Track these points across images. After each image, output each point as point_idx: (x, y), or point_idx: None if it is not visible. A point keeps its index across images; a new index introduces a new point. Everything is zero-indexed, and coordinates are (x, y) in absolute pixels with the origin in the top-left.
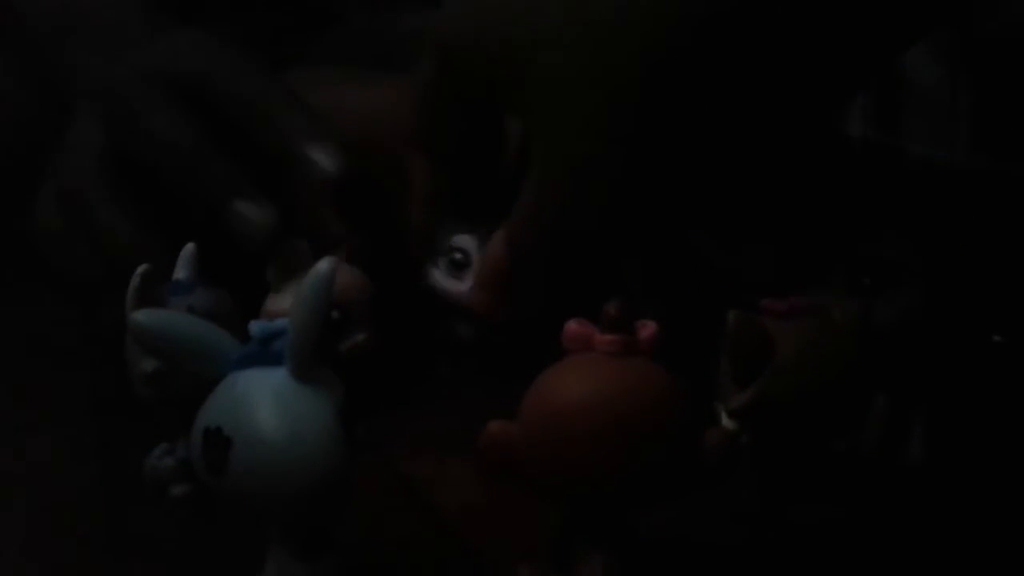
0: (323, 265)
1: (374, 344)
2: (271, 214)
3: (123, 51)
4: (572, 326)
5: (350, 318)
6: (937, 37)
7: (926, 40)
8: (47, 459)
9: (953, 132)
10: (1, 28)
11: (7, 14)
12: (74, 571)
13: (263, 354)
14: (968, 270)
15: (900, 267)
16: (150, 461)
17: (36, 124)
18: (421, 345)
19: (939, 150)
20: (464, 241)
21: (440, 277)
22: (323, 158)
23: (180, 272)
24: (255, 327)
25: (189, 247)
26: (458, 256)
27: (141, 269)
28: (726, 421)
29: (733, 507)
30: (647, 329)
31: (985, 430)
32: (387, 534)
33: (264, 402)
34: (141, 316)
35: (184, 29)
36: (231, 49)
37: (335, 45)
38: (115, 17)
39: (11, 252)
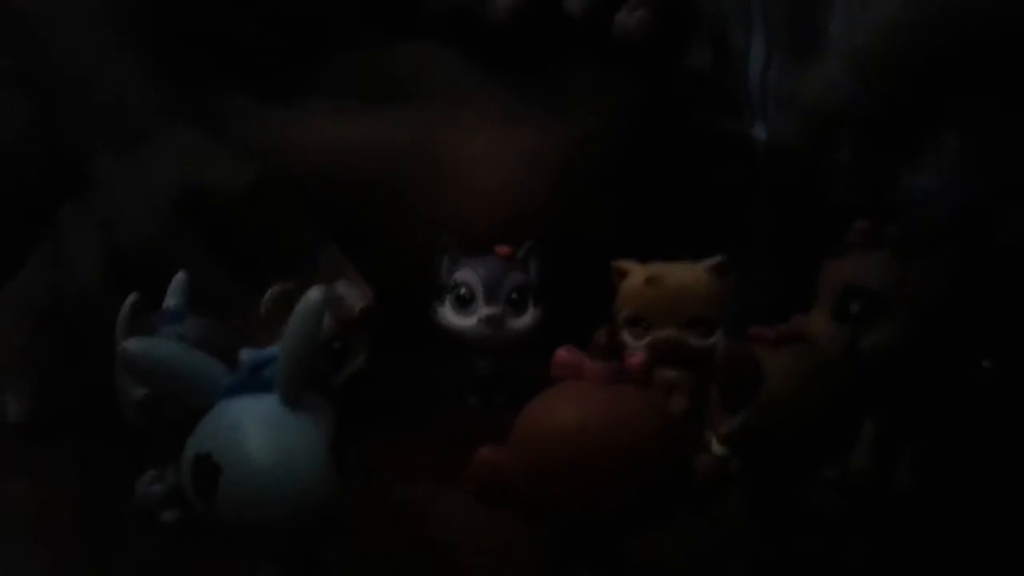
0: (313, 294)
1: (369, 367)
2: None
3: (132, 147)
4: (562, 354)
5: (350, 344)
6: None
7: None
8: (38, 484)
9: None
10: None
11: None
12: None
13: (253, 381)
14: (958, 296)
15: (885, 295)
16: (140, 487)
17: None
18: (423, 373)
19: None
20: (468, 276)
21: (447, 313)
22: (352, 297)
23: (171, 300)
24: (245, 355)
25: (180, 276)
26: (463, 291)
27: (131, 298)
28: (716, 447)
29: (723, 532)
30: (636, 356)
31: (975, 454)
32: (379, 562)
33: (253, 429)
34: (131, 344)
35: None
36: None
37: (330, 78)
38: (131, 103)
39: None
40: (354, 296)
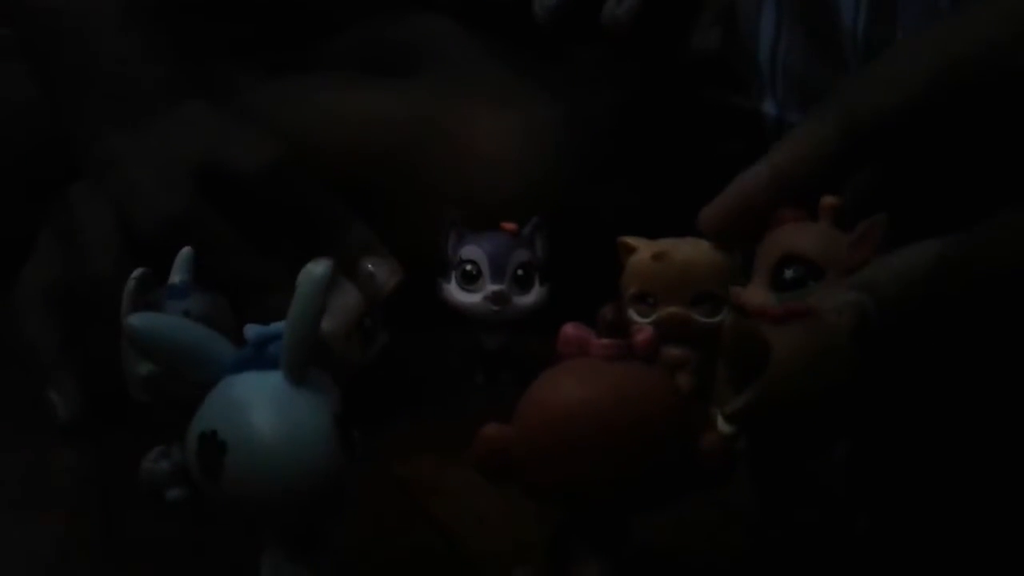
0: (317, 268)
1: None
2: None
3: (143, 123)
4: (568, 330)
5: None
6: None
7: None
8: (43, 462)
9: None
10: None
11: (29, 47)
12: (70, 574)
13: (259, 358)
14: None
15: (819, 261)
16: (146, 464)
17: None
18: (429, 350)
19: None
20: (474, 253)
21: (453, 290)
22: (383, 272)
23: (176, 276)
24: (251, 331)
25: (185, 251)
26: (469, 268)
27: (137, 272)
28: (722, 425)
29: (730, 511)
30: (643, 333)
31: (982, 433)
32: (384, 538)
33: (259, 406)
34: (136, 320)
35: (198, 101)
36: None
37: (334, 51)
38: (138, 79)
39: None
40: (384, 272)
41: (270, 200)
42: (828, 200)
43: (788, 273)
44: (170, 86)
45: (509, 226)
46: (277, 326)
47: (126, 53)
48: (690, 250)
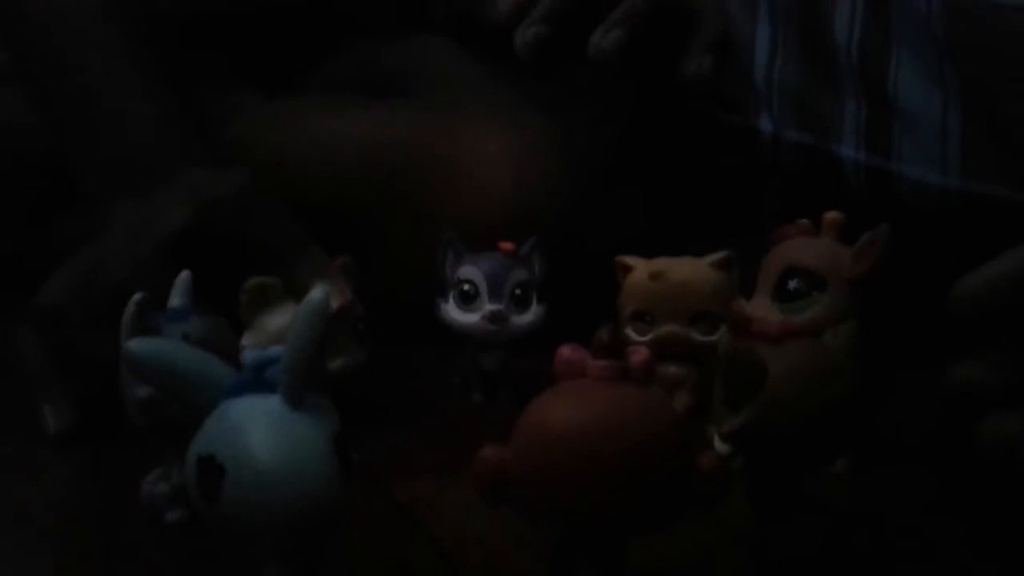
0: (317, 293)
1: (365, 364)
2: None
3: (142, 189)
4: (564, 352)
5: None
6: (928, 60)
7: (917, 62)
8: (44, 483)
9: (945, 155)
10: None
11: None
12: None
13: (257, 382)
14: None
15: (822, 273)
16: (146, 486)
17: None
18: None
19: (932, 174)
20: (472, 273)
21: (451, 310)
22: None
23: (175, 300)
24: (249, 355)
25: (185, 274)
26: (467, 288)
27: (137, 297)
28: (719, 445)
29: (728, 530)
30: (639, 354)
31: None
32: (382, 560)
33: (257, 429)
34: (134, 344)
35: (211, 167)
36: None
37: (330, 73)
38: (146, 146)
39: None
40: (331, 296)
41: (231, 229)
42: (830, 215)
43: (792, 284)
44: (173, 153)
45: (507, 246)
46: (276, 350)
47: (139, 117)
48: (687, 269)
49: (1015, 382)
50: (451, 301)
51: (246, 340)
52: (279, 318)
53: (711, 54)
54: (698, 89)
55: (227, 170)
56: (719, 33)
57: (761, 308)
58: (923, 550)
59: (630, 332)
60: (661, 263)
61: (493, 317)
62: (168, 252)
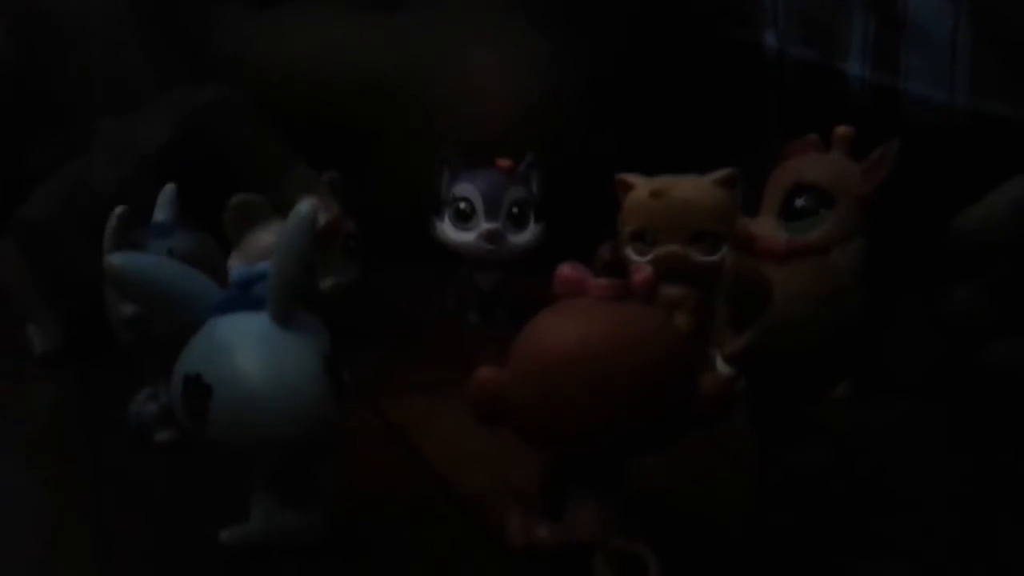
0: (304, 207)
1: (355, 282)
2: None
3: (135, 107)
4: (564, 270)
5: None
6: None
7: None
8: (30, 404)
9: (954, 73)
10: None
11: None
12: (57, 517)
13: (244, 298)
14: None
15: (829, 189)
16: (134, 407)
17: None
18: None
19: (939, 91)
20: (468, 190)
21: (447, 228)
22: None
23: (160, 214)
24: (235, 271)
25: (169, 188)
26: (463, 206)
27: (119, 210)
28: (722, 366)
29: (729, 452)
30: (641, 273)
31: (982, 373)
32: (375, 481)
33: (244, 348)
34: (117, 259)
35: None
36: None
37: None
38: (131, 69)
39: None
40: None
41: (217, 137)
42: (841, 130)
43: (799, 202)
44: (156, 72)
45: (504, 163)
46: (263, 266)
47: (120, 37)
48: (689, 187)
49: (1014, 309)
50: (447, 219)
51: (234, 258)
52: (267, 235)
53: None
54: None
55: (209, 86)
56: None
57: (767, 226)
58: (922, 475)
59: (630, 251)
60: (662, 181)
61: (490, 236)
62: (153, 166)
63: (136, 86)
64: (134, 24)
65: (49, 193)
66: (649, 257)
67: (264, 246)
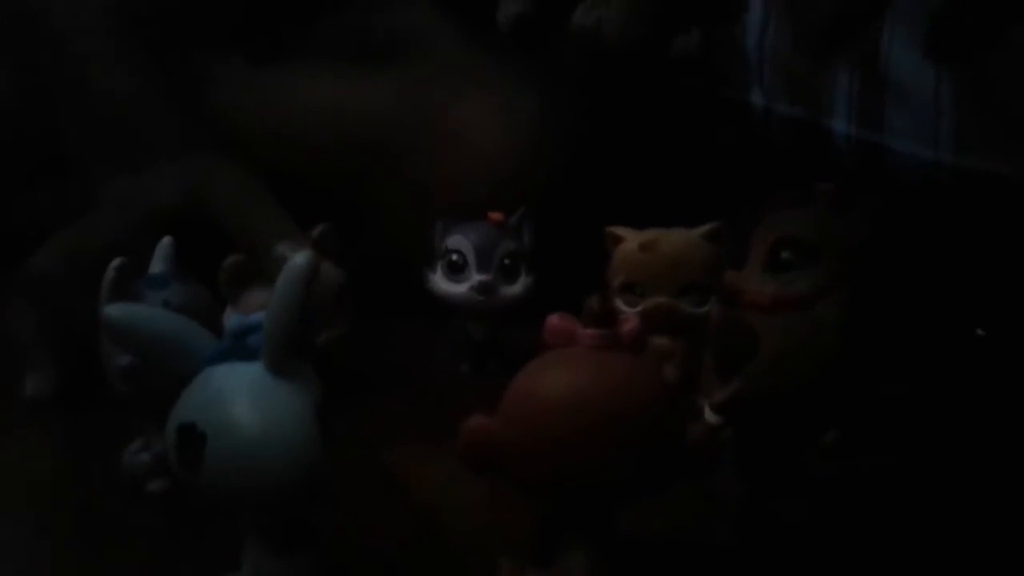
0: (299, 259)
1: (347, 333)
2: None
3: (143, 168)
4: (554, 321)
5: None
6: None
7: (911, 36)
8: (23, 453)
9: (937, 130)
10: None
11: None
12: (48, 566)
13: (239, 349)
14: (952, 265)
15: (814, 243)
16: (127, 456)
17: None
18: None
19: (923, 148)
20: (460, 243)
21: (439, 280)
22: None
23: (156, 266)
24: (231, 321)
25: (166, 240)
26: (455, 258)
27: (116, 262)
28: (709, 415)
29: (716, 501)
30: (629, 323)
31: (969, 423)
32: (367, 529)
33: (239, 397)
34: (113, 310)
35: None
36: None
37: (315, 41)
38: (140, 129)
39: None
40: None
41: (216, 213)
42: (824, 185)
43: (784, 255)
44: (164, 134)
45: (496, 216)
46: (257, 316)
47: (131, 97)
48: (678, 240)
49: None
50: (439, 271)
51: (230, 313)
52: (263, 295)
53: (698, 30)
54: (686, 65)
55: (217, 157)
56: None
57: (753, 279)
58: (913, 522)
59: (619, 303)
60: (651, 234)
61: (481, 287)
62: (156, 224)
63: (140, 142)
64: (139, 79)
65: (56, 245)
66: (639, 308)
67: (260, 304)
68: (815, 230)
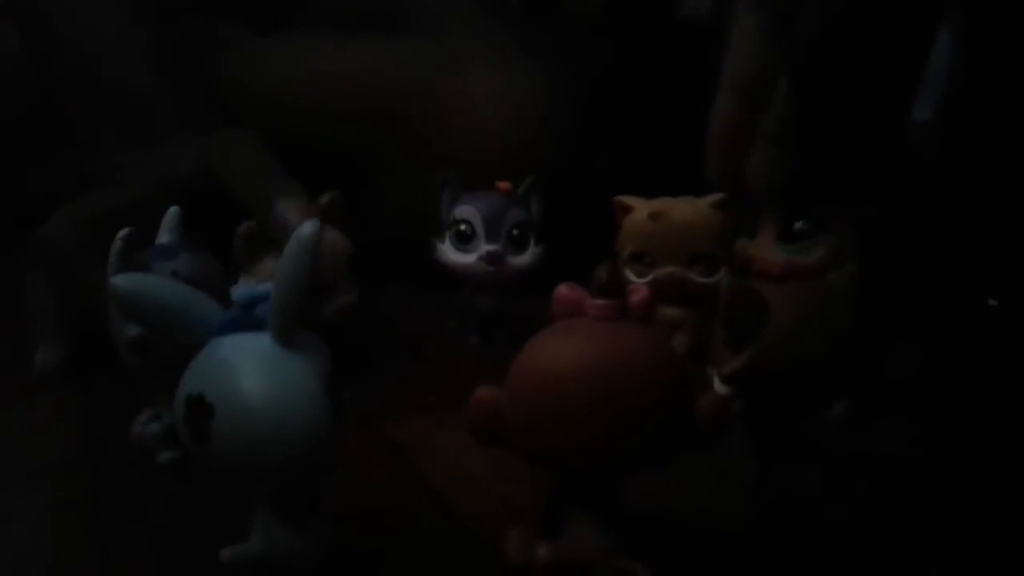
0: (306, 228)
1: (354, 303)
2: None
3: (146, 147)
4: (562, 291)
5: (333, 278)
6: None
7: None
8: (34, 424)
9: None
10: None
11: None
12: (60, 536)
13: (246, 319)
14: (964, 234)
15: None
16: (136, 427)
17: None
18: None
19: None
20: (468, 213)
21: (447, 250)
22: (293, 216)
23: (164, 236)
24: (238, 292)
25: (173, 210)
26: (463, 228)
27: (123, 232)
28: (719, 386)
29: (725, 472)
30: (638, 293)
31: (980, 394)
32: (375, 501)
33: (247, 368)
34: (121, 281)
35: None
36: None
37: (328, 9)
38: (151, 108)
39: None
40: (295, 216)
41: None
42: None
43: (798, 225)
44: (173, 115)
45: (504, 186)
46: (265, 287)
47: (142, 81)
48: (687, 210)
49: None
50: (447, 241)
51: (242, 281)
52: (276, 262)
53: None
54: (695, 27)
55: (224, 124)
56: None
57: (765, 248)
58: (918, 494)
59: (629, 273)
60: (660, 203)
61: (490, 258)
62: (168, 194)
63: (150, 113)
64: (147, 51)
65: (68, 215)
66: (648, 278)
67: (273, 272)
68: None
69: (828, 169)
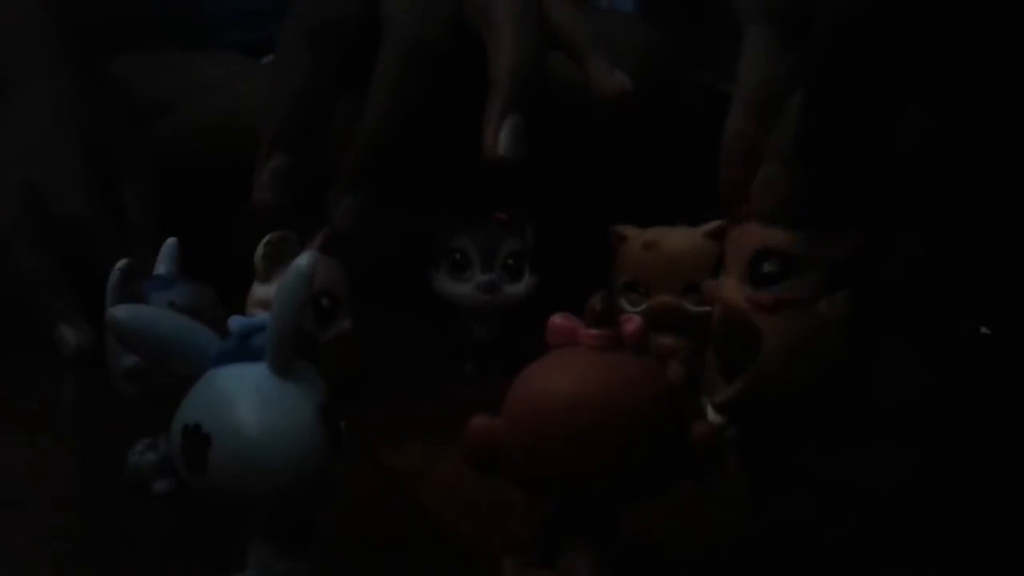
0: (302, 260)
1: (350, 333)
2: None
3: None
4: (556, 320)
5: (334, 307)
6: None
7: None
8: (29, 455)
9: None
10: None
11: None
12: (56, 565)
13: (243, 350)
14: (957, 261)
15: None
16: (132, 457)
17: None
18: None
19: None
20: (464, 242)
21: (443, 279)
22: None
23: (161, 267)
24: (235, 322)
25: (171, 241)
26: (459, 257)
27: (121, 263)
28: (712, 415)
29: (720, 500)
30: (632, 323)
31: (976, 419)
32: (371, 530)
33: (243, 398)
34: (119, 312)
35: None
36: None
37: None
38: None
39: None
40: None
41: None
42: None
43: (766, 267)
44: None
45: (500, 215)
46: (262, 317)
47: None
48: (681, 239)
49: None
50: (443, 270)
51: (256, 289)
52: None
53: (515, 118)
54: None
55: None
56: (524, 90)
57: (733, 290)
58: (914, 523)
59: (623, 302)
60: (655, 233)
61: (485, 287)
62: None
63: None
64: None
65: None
66: (643, 307)
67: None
68: (800, 242)
69: (841, 189)
